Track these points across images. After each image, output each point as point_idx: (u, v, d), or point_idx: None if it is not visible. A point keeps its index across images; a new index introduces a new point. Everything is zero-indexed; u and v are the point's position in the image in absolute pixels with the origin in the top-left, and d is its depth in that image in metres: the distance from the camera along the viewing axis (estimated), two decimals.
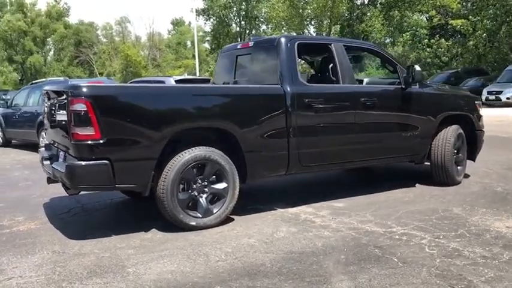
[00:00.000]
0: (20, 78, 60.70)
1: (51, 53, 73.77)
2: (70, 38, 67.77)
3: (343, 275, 3.19)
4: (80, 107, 3.77)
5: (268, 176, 5.06)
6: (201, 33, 58.51)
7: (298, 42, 5.00)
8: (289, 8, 38.00)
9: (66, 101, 3.92)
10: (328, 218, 4.63)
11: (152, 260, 3.55)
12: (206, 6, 53.32)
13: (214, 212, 4.36)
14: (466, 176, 6.50)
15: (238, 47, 5.74)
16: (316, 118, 4.91)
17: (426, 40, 31.23)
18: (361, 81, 6.10)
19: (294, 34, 30.36)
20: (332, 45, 5.26)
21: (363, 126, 5.21)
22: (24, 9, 72.72)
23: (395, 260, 3.45)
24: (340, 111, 5.09)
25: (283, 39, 4.95)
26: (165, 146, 4.09)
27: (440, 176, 5.90)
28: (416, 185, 6.02)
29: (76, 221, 4.88)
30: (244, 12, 54.47)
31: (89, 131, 3.80)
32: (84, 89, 3.85)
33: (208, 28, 58.26)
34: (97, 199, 5.64)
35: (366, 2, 40.60)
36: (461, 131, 5.99)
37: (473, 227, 4.22)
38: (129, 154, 3.96)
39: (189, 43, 67.59)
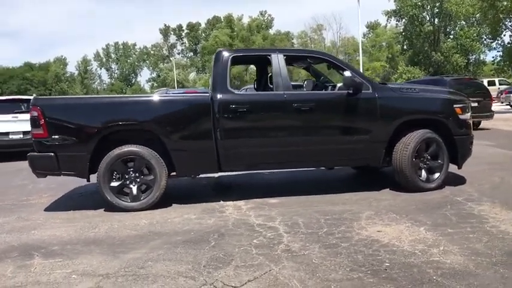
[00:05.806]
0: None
1: None
2: None
3: (151, 249, 3.96)
4: (34, 113, 5.23)
5: (200, 172, 5.88)
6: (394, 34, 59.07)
7: (233, 55, 5.69)
8: (479, 1, 35.09)
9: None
10: (242, 211, 5.24)
11: (60, 227, 4.79)
12: (398, 7, 52.82)
13: (142, 198, 5.39)
14: (461, 182, 6.20)
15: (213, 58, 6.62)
16: (242, 122, 5.53)
17: None
18: (334, 87, 6.35)
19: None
20: (271, 55, 5.77)
21: (296, 130, 5.61)
22: (232, 25, 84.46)
23: (213, 244, 4.05)
24: (267, 116, 5.60)
25: (221, 53, 5.71)
26: (97, 143, 5.28)
27: (401, 181, 5.84)
28: (384, 190, 6.01)
29: (75, 199, 6.37)
30: (437, 10, 52.22)
31: (40, 131, 5.24)
32: (37, 100, 5.33)
33: (400, 28, 57.79)
34: None
35: None
36: (432, 135, 5.80)
37: (343, 228, 4.43)
38: (68, 149, 5.30)
39: (384, 45, 67.88)
